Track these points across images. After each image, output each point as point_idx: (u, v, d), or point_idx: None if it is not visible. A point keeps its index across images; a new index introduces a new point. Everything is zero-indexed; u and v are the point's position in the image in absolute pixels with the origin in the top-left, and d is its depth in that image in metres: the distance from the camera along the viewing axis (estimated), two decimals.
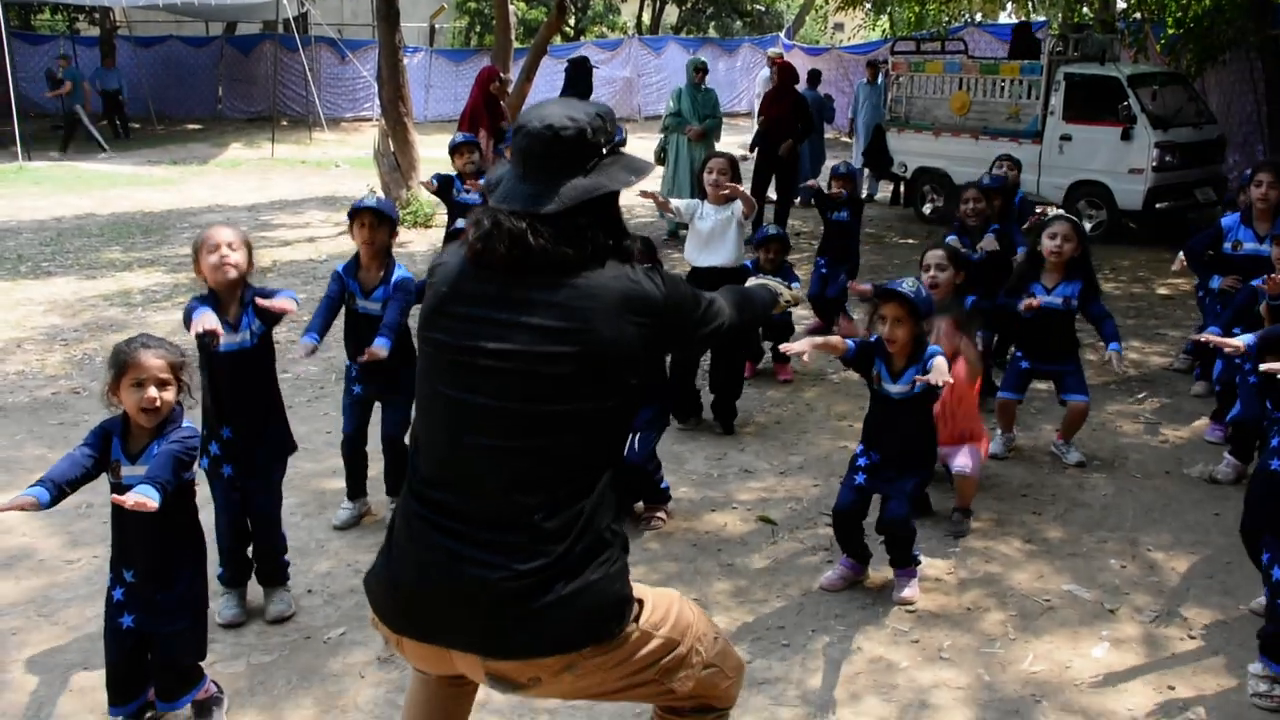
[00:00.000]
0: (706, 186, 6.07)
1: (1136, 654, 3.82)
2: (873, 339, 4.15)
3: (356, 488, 4.85)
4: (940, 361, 3.90)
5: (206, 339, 3.69)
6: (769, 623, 4.01)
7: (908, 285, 4.03)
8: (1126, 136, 11.17)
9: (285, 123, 22.00)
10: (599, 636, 2.17)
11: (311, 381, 6.76)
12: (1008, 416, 5.65)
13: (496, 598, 2.11)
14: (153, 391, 3.03)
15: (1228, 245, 5.89)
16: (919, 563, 4.26)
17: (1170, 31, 14.04)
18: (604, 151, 2.26)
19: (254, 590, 4.11)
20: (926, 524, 4.74)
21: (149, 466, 3.00)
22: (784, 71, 11.81)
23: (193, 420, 3.24)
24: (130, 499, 2.80)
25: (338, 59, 23.75)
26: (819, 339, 3.91)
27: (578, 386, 2.13)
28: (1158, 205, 11.11)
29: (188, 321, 3.70)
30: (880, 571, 4.32)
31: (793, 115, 11.38)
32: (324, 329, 4.49)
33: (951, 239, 6.53)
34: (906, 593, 4.16)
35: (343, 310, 4.61)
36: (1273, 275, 4.93)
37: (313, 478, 5.27)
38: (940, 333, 4.48)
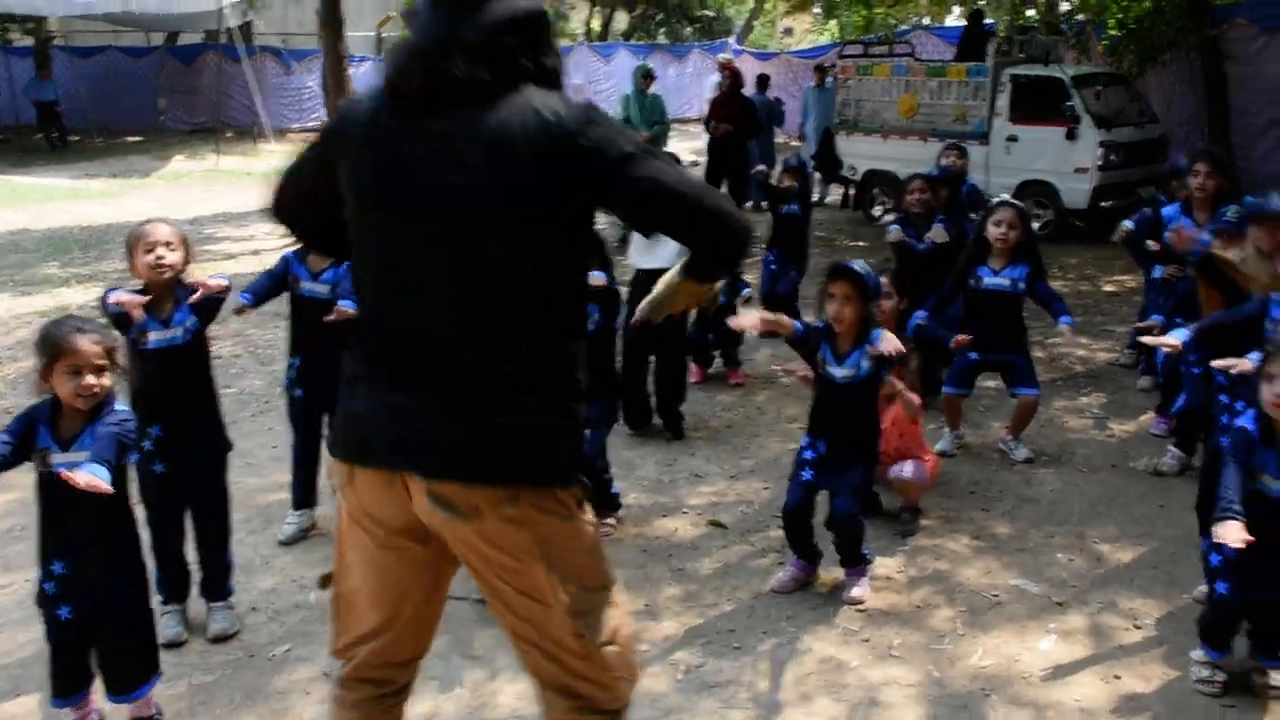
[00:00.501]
0: None
1: (1084, 645, 3.88)
2: (819, 325, 4.19)
3: (305, 496, 4.79)
4: (887, 334, 3.97)
5: (128, 328, 3.64)
6: (719, 626, 4.02)
7: (859, 265, 4.10)
8: (1071, 136, 11.37)
9: (230, 134, 21.80)
10: (544, 476, 2.18)
11: (256, 395, 6.70)
12: (954, 412, 5.72)
13: (446, 426, 2.13)
14: (90, 379, 3.00)
15: (1169, 235, 5.97)
16: (869, 561, 4.30)
17: (1112, 33, 14.29)
18: None
19: (195, 608, 4.05)
20: (876, 523, 4.77)
21: (92, 449, 2.96)
22: (732, 76, 11.90)
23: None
24: (82, 479, 2.75)
25: (283, 69, 23.60)
26: (769, 315, 4.00)
27: (502, 220, 2.08)
28: (1103, 204, 11.32)
29: (104, 305, 3.64)
30: (831, 572, 4.35)
31: (741, 119, 11.47)
32: (260, 296, 4.47)
33: (894, 229, 6.60)
34: (856, 592, 4.19)
35: (289, 298, 4.58)
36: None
37: (257, 493, 5.22)
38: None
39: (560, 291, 2.20)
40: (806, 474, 4.22)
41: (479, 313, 2.12)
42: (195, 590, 4.06)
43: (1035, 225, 11.11)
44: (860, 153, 13.44)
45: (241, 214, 13.89)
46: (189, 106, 24.01)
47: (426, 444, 2.15)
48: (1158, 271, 6.07)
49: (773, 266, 7.83)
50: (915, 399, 4.31)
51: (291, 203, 2.40)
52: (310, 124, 23.16)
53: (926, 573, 4.43)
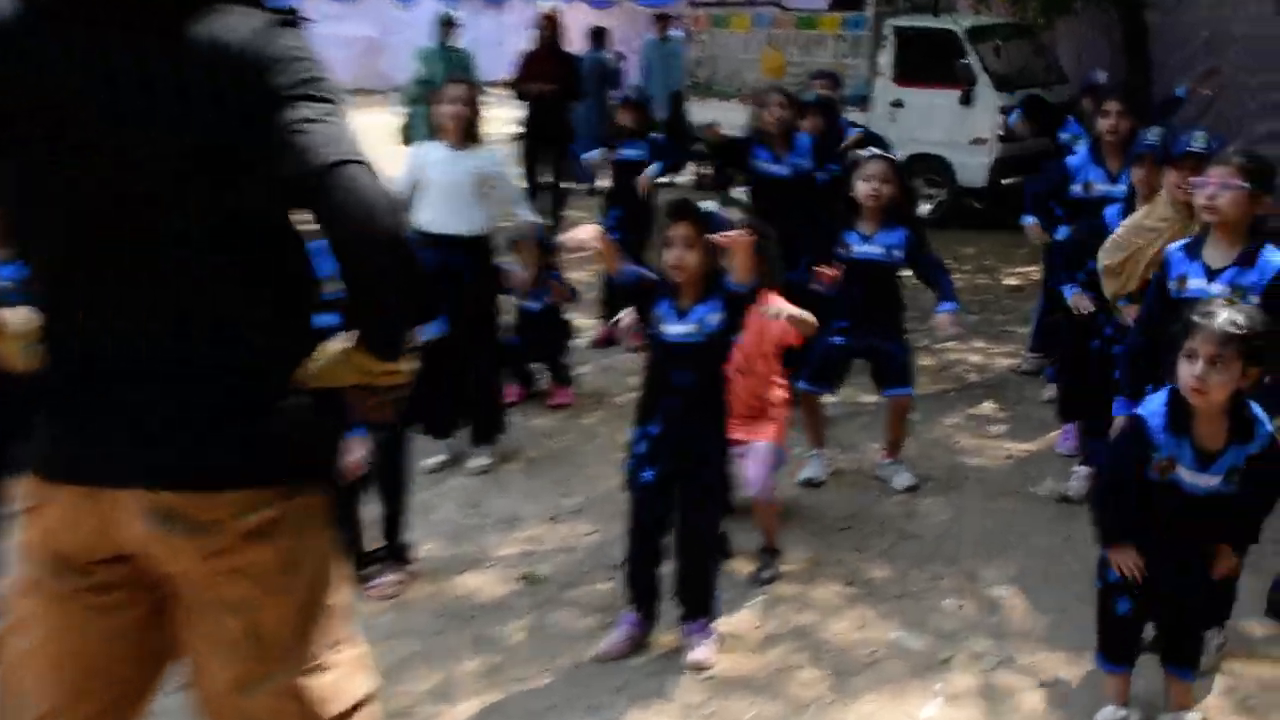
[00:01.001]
0: (443, 121, 5.78)
1: (974, 709, 3.97)
2: (658, 279, 4.22)
3: None
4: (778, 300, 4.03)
5: None
6: (531, 704, 3.98)
7: (705, 204, 4.16)
8: (966, 100, 11.72)
9: None
10: (284, 470, 2.19)
11: None
12: (815, 419, 5.79)
13: (166, 421, 2.12)
14: None
15: (1077, 187, 6.18)
16: (716, 615, 4.32)
17: None
18: None
19: None
20: (726, 570, 4.76)
21: None
22: (551, 27, 11.86)
23: None
24: None
25: None
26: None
27: (189, 176, 2.05)
28: (1004, 181, 11.68)
29: None
30: (669, 634, 4.35)
31: (563, 80, 11.48)
32: None
33: (717, 123, 6.51)
34: (699, 655, 4.19)
35: None
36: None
37: None
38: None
39: (283, 256, 2.20)
40: (646, 474, 4.18)
41: (191, 281, 2.11)
42: None
43: (926, 208, 11.55)
44: (717, 120, 13.55)
45: None
46: None
47: (145, 445, 2.12)
48: (1062, 233, 6.26)
49: (615, 235, 7.72)
50: (807, 315, 4.43)
51: None
52: None
53: (787, 628, 4.47)
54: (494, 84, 14.75)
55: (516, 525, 5.40)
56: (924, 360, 7.05)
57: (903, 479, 5.72)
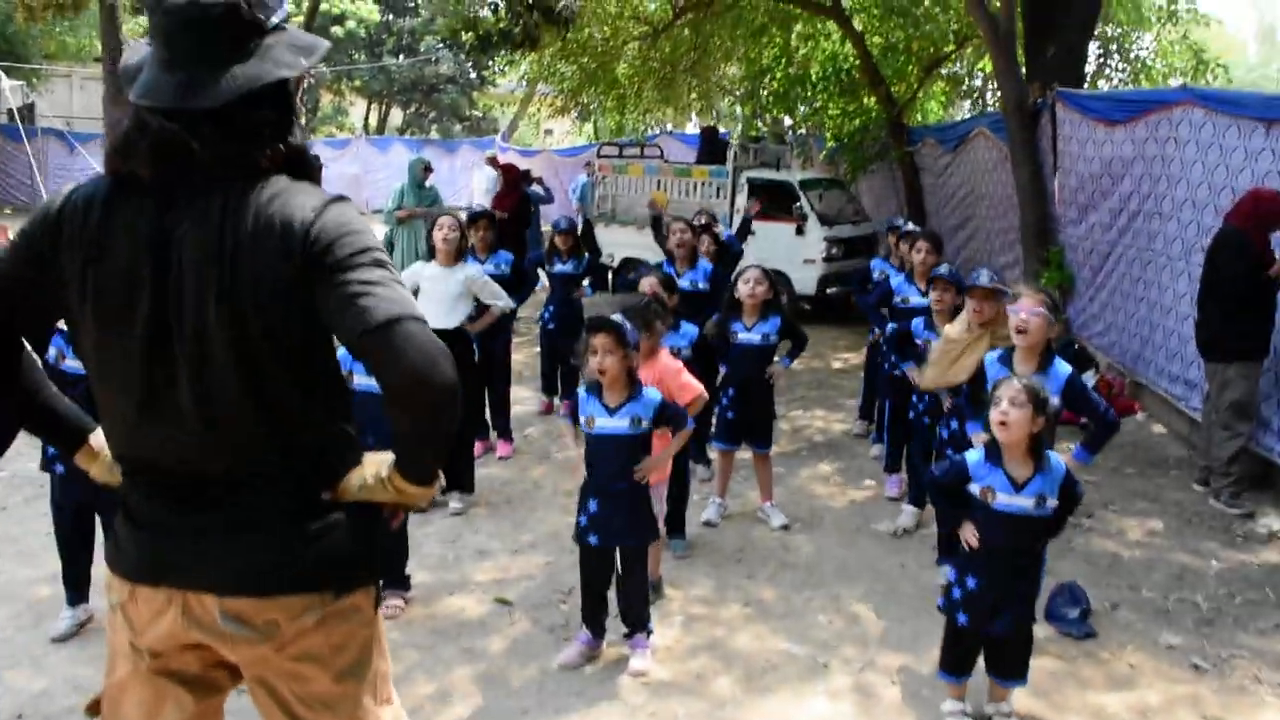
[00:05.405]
0: (441, 246, 5.61)
1: (851, 703, 3.78)
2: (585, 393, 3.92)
3: (78, 588, 4.10)
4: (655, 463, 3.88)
5: None
6: (511, 706, 3.69)
7: (615, 316, 3.84)
8: (800, 232, 11.74)
9: (9, 210, 20.43)
10: (335, 582, 1.88)
11: (30, 479, 5.83)
12: (726, 473, 5.55)
13: (231, 539, 1.82)
14: None
15: (898, 300, 6.17)
16: (650, 631, 4.06)
17: (829, 145, 15.11)
18: (266, 29, 1.74)
19: None
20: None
21: None
22: (509, 171, 11.88)
23: None
24: None
25: (66, 150, 21.98)
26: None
27: (249, 340, 1.72)
28: (828, 290, 11.71)
29: None
30: (615, 646, 4.10)
31: (521, 209, 11.52)
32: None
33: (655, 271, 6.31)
34: (640, 664, 3.94)
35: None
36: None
37: (29, 585, 4.50)
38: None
39: (327, 360, 1.88)
40: (591, 539, 3.87)
41: (258, 438, 1.81)
42: None
43: None
44: (617, 241, 13.37)
45: None
46: None
47: (220, 561, 1.82)
48: (890, 328, 6.01)
49: (550, 325, 7.44)
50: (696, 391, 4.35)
51: None
52: None
53: (703, 642, 4.22)
54: (455, 209, 14.47)
55: (487, 556, 5.06)
56: (782, 426, 6.91)
57: (778, 519, 5.49)
